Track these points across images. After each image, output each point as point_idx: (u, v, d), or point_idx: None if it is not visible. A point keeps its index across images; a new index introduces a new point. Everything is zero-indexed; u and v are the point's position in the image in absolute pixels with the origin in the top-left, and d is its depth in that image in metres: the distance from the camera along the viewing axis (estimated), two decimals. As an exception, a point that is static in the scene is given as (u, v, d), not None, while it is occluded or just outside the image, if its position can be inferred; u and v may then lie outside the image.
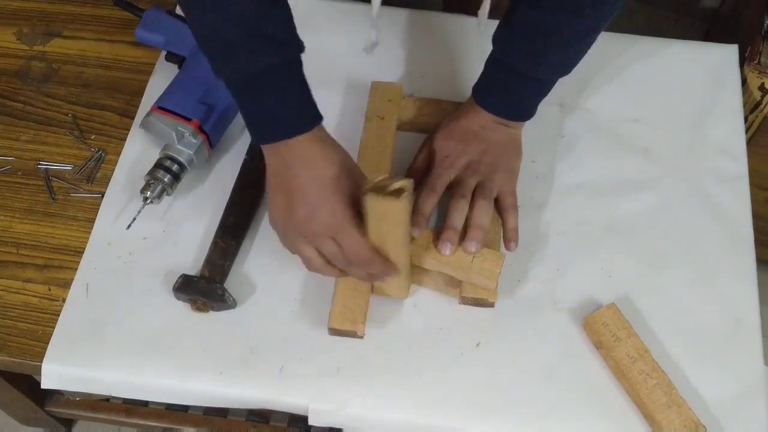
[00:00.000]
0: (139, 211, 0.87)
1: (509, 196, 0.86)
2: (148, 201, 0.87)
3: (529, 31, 0.80)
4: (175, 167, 0.87)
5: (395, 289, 0.83)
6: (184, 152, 0.87)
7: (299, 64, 0.73)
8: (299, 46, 0.72)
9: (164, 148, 0.88)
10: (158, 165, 0.87)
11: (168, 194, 0.88)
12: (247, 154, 0.92)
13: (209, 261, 0.84)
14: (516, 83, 0.84)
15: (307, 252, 0.76)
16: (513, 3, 0.81)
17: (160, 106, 0.89)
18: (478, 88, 0.88)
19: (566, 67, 0.84)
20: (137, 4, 1.02)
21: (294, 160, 0.73)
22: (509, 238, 0.85)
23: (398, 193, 0.70)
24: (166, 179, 0.86)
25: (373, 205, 0.70)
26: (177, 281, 0.82)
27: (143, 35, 0.98)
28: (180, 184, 0.89)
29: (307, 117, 0.74)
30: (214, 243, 0.85)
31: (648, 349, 0.79)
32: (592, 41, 0.82)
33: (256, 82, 0.71)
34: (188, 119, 0.88)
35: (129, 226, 0.87)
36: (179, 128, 0.87)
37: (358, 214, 0.74)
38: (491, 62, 0.86)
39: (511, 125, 0.88)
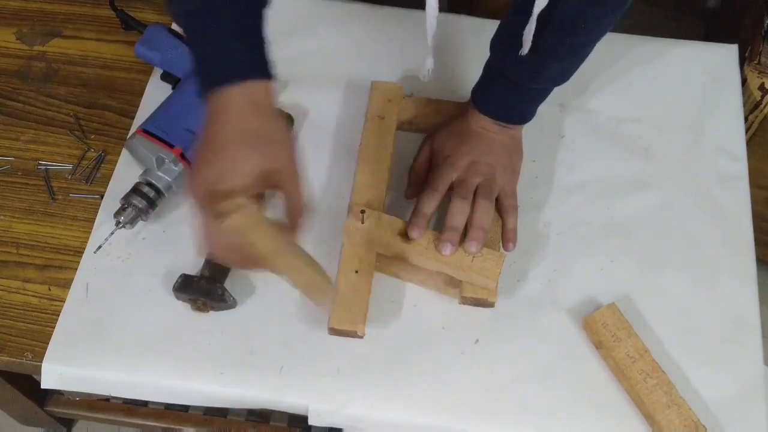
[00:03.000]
0: (111, 233, 0.85)
1: (510, 196, 0.86)
2: (121, 226, 0.85)
3: None
4: (152, 194, 0.85)
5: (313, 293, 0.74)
6: (162, 179, 0.85)
7: (256, 10, 0.67)
8: None
9: (144, 172, 0.87)
10: (135, 190, 0.85)
11: (143, 219, 0.86)
12: (247, 154, 0.92)
13: (209, 261, 0.84)
14: (512, 91, 0.84)
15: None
16: (508, 16, 0.81)
17: (145, 129, 0.88)
18: (476, 92, 0.89)
19: (562, 78, 0.85)
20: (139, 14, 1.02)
21: (219, 115, 0.66)
22: (508, 239, 0.85)
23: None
24: (141, 205, 0.85)
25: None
26: (177, 281, 0.82)
27: (142, 51, 0.97)
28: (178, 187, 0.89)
29: (246, 63, 0.66)
30: (214, 243, 0.85)
31: (648, 349, 0.79)
32: (587, 54, 0.83)
33: (201, 18, 0.65)
34: (171, 146, 0.86)
35: (97, 249, 0.86)
36: (160, 154, 0.86)
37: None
38: (488, 68, 0.87)
39: (511, 126, 0.88)
